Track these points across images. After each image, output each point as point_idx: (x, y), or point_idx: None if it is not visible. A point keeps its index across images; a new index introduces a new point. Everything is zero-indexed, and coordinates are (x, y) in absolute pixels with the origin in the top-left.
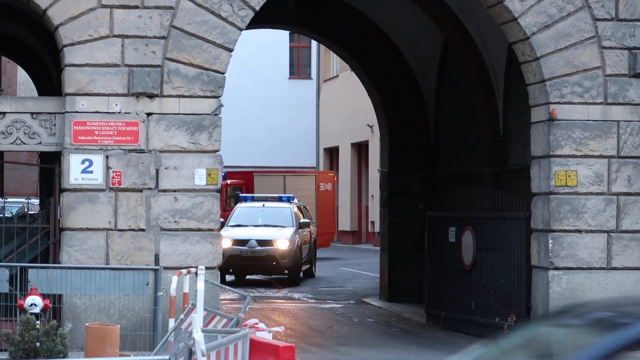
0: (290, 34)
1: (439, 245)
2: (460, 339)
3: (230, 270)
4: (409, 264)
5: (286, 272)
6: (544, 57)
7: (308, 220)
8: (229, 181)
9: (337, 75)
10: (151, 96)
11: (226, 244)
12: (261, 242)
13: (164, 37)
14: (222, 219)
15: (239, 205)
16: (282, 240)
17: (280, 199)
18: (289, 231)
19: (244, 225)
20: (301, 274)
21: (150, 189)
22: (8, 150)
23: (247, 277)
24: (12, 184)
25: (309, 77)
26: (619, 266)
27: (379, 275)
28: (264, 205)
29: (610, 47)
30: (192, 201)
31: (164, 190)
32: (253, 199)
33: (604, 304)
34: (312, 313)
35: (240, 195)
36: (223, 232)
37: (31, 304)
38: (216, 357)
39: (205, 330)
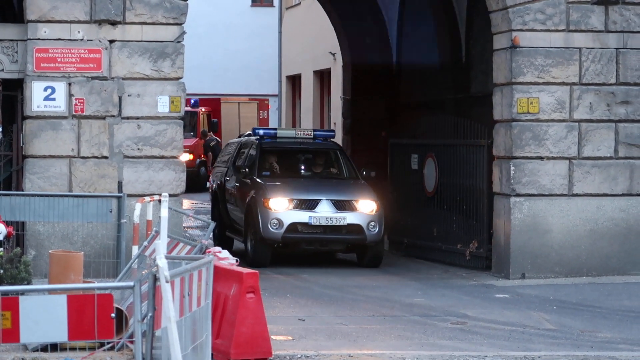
0: None
1: (401, 173)
2: (422, 265)
3: (277, 245)
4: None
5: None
6: None
7: (369, 171)
8: (202, 108)
9: (300, 3)
10: (114, 23)
11: (281, 205)
12: (338, 204)
13: None
14: (192, 154)
15: (258, 143)
16: (367, 201)
17: (314, 138)
18: (365, 187)
19: (284, 176)
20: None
21: (113, 116)
22: None
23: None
24: None
25: (271, 4)
26: (580, 192)
27: None
28: (302, 145)
29: None
30: (155, 128)
31: (127, 118)
32: (276, 136)
33: None
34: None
35: (255, 128)
36: (262, 192)
37: None
38: (180, 284)
39: (169, 257)
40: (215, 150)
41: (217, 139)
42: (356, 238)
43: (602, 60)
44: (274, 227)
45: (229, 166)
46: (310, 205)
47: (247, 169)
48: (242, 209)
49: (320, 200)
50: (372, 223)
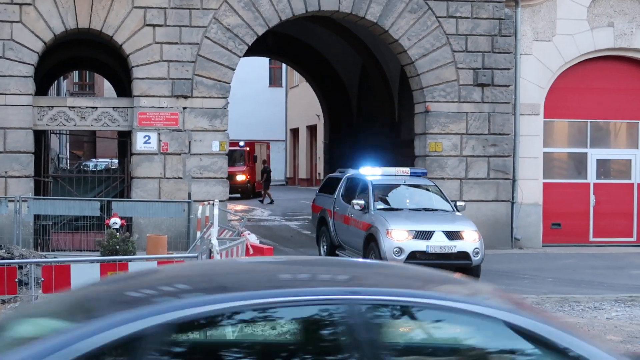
0: (269, 59)
1: None
2: None
3: None
4: None
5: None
6: (423, 74)
7: (463, 203)
8: (247, 148)
9: (298, 85)
10: (185, 97)
11: (402, 235)
12: (449, 235)
13: (193, 61)
14: (243, 176)
15: (370, 180)
16: (471, 231)
17: (414, 174)
18: (465, 219)
19: (397, 209)
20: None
21: (185, 153)
22: (99, 129)
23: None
24: (101, 150)
25: (280, 86)
26: (467, 199)
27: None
28: (405, 181)
29: (462, 68)
30: (210, 160)
31: (194, 154)
32: (382, 174)
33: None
34: (281, 228)
35: (361, 168)
36: (383, 223)
37: (113, 223)
38: (225, 254)
39: (218, 238)
40: (269, 175)
41: (270, 168)
42: (464, 263)
43: (480, 119)
44: (396, 254)
45: (336, 197)
46: (426, 235)
47: (363, 202)
48: (359, 236)
49: (434, 231)
50: (476, 250)
